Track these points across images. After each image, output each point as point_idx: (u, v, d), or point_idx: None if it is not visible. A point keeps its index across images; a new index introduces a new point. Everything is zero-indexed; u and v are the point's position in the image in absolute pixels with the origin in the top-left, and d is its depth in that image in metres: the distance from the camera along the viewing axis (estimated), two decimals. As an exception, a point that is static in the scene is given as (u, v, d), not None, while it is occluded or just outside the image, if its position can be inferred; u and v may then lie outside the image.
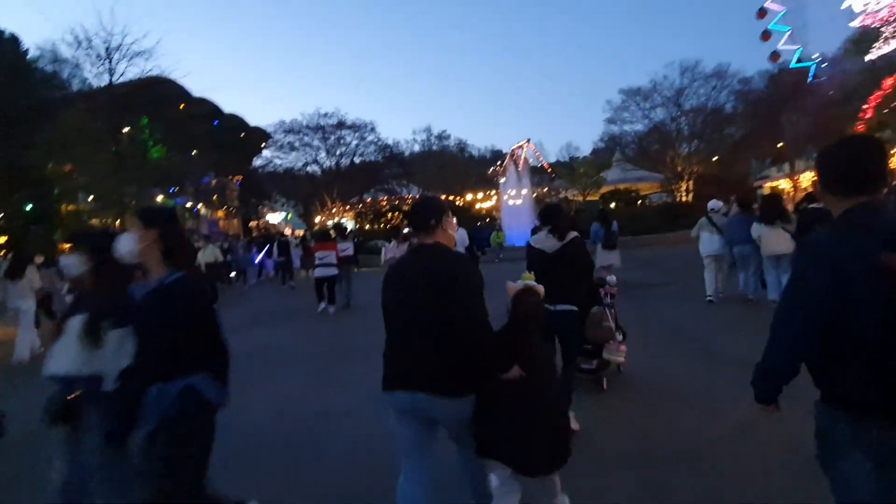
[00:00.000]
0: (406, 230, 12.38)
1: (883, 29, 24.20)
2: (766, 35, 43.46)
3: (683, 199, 25.07)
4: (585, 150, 68.94)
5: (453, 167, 36.84)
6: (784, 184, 31.08)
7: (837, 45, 43.97)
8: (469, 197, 42.69)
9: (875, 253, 1.18)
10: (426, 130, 35.97)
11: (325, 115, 31.73)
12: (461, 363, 1.98)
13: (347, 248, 10.66)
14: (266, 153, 36.41)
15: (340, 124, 31.88)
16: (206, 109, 34.78)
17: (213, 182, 39.60)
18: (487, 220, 28.33)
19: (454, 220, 2.28)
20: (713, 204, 8.23)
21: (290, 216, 52.57)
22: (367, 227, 29.36)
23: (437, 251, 2.12)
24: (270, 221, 52.36)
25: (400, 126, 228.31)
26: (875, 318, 1.19)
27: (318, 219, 35.96)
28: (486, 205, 47.81)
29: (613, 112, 28.12)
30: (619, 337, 4.31)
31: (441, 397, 1.98)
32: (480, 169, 51.57)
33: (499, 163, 76.78)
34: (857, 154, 1.39)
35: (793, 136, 27.18)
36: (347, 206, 36.62)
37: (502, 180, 32.16)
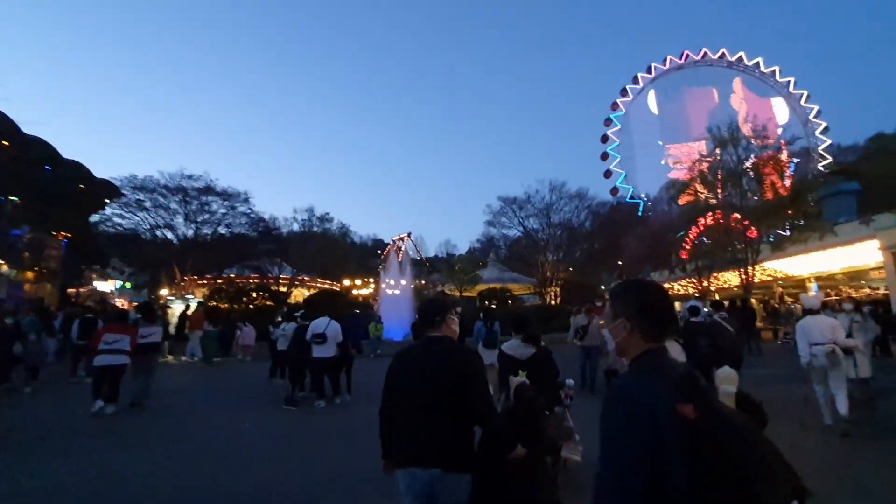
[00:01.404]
0: (300, 314, 10.62)
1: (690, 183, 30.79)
2: (608, 174, 53.78)
3: (553, 302, 26.76)
4: (462, 248, 73.43)
5: (334, 251, 35.34)
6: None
7: (658, 189, 55.92)
8: (347, 283, 40.94)
9: (675, 399, 1.20)
10: (308, 210, 34.39)
11: (190, 176, 28.47)
12: (466, 442, 2.29)
13: (153, 333, 8.70)
14: (108, 210, 30.99)
15: (208, 189, 28.72)
16: (42, 152, 29.30)
17: (28, 237, 32.20)
18: (358, 310, 26.71)
19: (456, 318, 2.58)
20: None
21: (128, 285, 44.52)
22: (226, 306, 25.68)
23: (446, 343, 2.47)
24: (99, 289, 43.58)
25: (279, 203, 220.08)
26: (684, 468, 1.14)
27: (164, 292, 30.73)
28: (364, 292, 46.37)
29: (493, 216, 30.23)
30: (577, 437, 4.43)
31: (450, 473, 2.21)
32: (361, 255, 50.84)
33: (379, 252, 77.29)
34: (667, 299, 1.48)
35: (629, 256, 31.95)
36: (204, 280, 32.09)
37: (382, 270, 31.58)
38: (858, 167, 44.04)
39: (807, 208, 23.81)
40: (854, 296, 20.62)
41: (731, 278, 27.29)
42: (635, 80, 56.23)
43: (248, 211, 30.37)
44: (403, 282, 30.25)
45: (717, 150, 24.29)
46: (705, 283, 26.84)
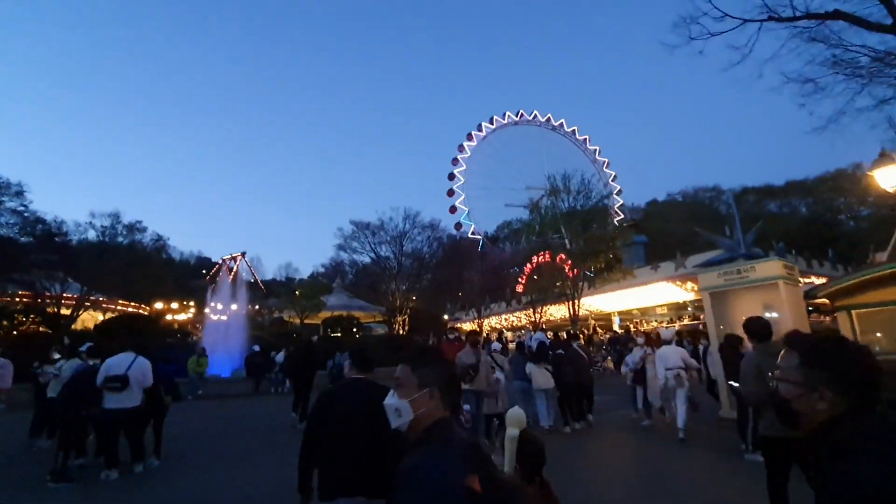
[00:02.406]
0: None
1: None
2: (452, 209, 57.51)
3: (401, 331, 26.35)
4: (305, 272, 68.97)
5: (144, 267, 29.28)
6: (470, 325, 37.57)
7: (494, 227, 61.59)
8: (160, 306, 34.37)
9: (464, 472, 1.24)
10: (112, 216, 27.78)
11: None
12: (386, 470, 2.29)
13: None
14: None
15: (-45, 174, 21.04)
16: None
17: None
18: (170, 339, 22.41)
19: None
20: (495, 345, 9.00)
21: None
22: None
23: (372, 384, 2.74)
24: None
25: (73, 204, 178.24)
26: None
27: None
28: (181, 317, 39.60)
29: (344, 240, 28.83)
30: None
31: (374, 499, 2.39)
32: (182, 275, 43.49)
33: (204, 271, 67.61)
34: (453, 371, 1.52)
35: (469, 289, 33.76)
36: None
37: (211, 292, 27.22)
38: (642, 224, 55.14)
39: (614, 254, 28.36)
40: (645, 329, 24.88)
41: (555, 311, 30.72)
42: (479, 128, 61.90)
43: (22, 208, 23.29)
44: (234, 307, 26.55)
45: (547, 197, 27.73)
46: (538, 315, 29.65)
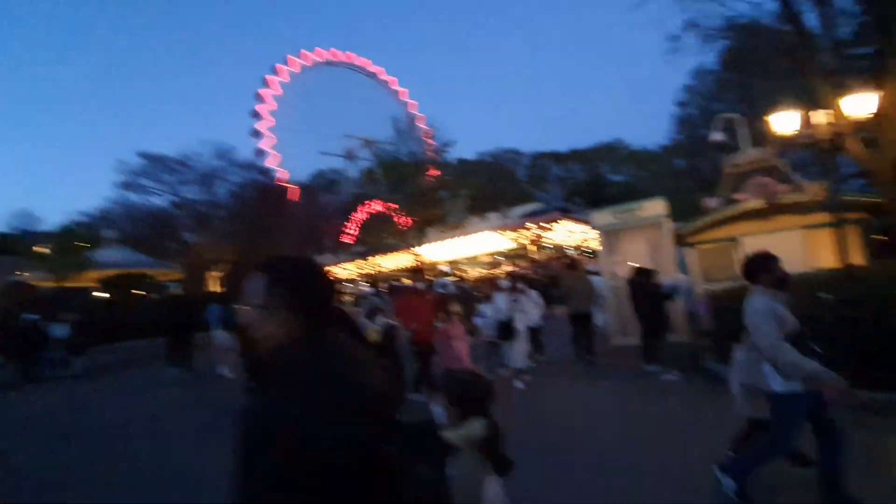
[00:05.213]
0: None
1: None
2: (259, 153, 50.86)
3: (217, 289, 22.28)
4: (53, 221, 51.93)
5: None
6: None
7: (308, 176, 57.08)
8: None
9: None
10: None
11: None
12: None
13: None
14: None
15: None
16: None
17: None
18: None
19: None
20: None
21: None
22: None
23: None
24: None
25: None
26: None
27: None
28: None
29: (130, 177, 22.14)
30: None
31: None
32: None
33: None
34: None
35: (282, 241, 30.19)
36: None
37: None
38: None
39: (439, 205, 29.17)
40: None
41: (385, 262, 30.43)
42: (286, 62, 55.08)
43: None
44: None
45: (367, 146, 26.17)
46: (369, 266, 28.83)
